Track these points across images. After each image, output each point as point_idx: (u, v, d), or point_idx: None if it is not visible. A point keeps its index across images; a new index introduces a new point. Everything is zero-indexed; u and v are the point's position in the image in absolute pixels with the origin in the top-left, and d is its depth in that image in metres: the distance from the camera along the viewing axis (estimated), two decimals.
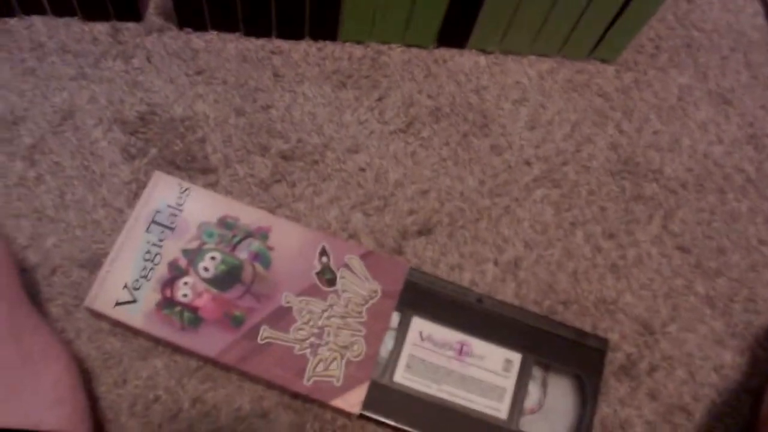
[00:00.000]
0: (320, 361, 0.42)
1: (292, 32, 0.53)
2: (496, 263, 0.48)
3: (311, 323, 0.42)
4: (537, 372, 0.45)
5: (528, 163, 0.52)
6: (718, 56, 0.59)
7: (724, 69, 0.58)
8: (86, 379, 0.42)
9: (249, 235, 0.44)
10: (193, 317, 0.42)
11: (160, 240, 0.43)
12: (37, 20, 0.52)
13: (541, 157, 0.52)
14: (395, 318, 0.44)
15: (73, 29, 0.52)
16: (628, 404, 0.46)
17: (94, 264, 0.45)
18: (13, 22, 0.51)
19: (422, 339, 0.43)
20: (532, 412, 0.44)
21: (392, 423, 0.41)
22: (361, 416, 0.42)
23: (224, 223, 0.44)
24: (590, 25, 0.52)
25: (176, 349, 0.43)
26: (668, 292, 0.49)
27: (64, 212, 0.46)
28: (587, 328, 0.47)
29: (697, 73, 0.58)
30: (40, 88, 0.50)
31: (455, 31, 0.53)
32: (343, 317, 0.43)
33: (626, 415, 0.45)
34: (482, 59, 0.55)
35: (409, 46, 0.55)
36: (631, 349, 0.47)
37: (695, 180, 0.53)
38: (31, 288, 0.44)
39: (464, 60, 0.55)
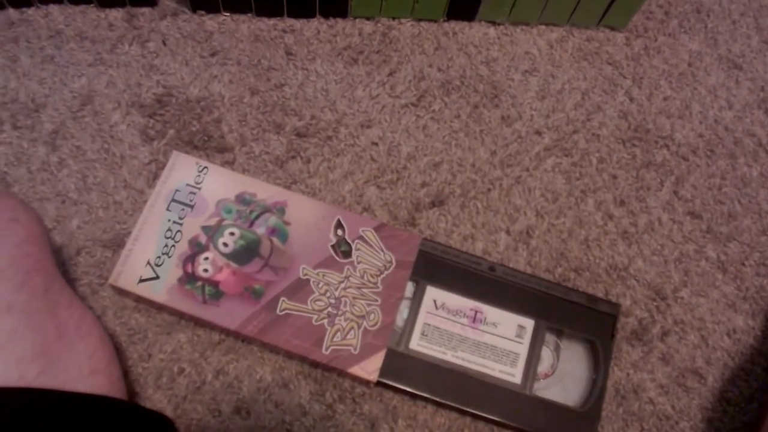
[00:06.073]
0: (338, 330, 0.43)
1: (303, 10, 0.53)
2: (508, 232, 0.49)
3: (328, 294, 0.43)
4: (550, 337, 0.45)
5: (538, 133, 0.52)
6: (728, 21, 0.58)
7: (734, 34, 0.58)
8: None
9: (266, 210, 0.45)
10: (214, 291, 0.43)
11: (180, 218, 0.44)
12: (54, 9, 0.52)
13: (552, 127, 0.53)
14: (410, 287, 0.45)
15: (89, 16, 0.52)
16: (640, 368, 0.46)
17: (117, 243, 0.46)
18: (30, 11, 0.52)
19: (436, 307, 0.44)
20: (546, 376, 0.44)
21: (409, 389, 0.42)
22: (379, 383, 0.43)
23: (242, 199, 0.45)
24: None
25: (198, 322, 0.44)
26: (679, 257, 0.49)
27: (86, 194, 0.47)
28: (599, 294, 0.48)
29: (707, 38, 0.57)
30: (59, 74, 0.50)
31: (464, 4, 0.53)
32: (359, 288, 0.44)
33: (639, 379, 0.46)
34: (492, 30, 0.55)
35: (418, 20, 0.55)
36: (643, 314, 0.47)
37: (706, 145, 0.53)
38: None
39: (474, 32, 0.55)
